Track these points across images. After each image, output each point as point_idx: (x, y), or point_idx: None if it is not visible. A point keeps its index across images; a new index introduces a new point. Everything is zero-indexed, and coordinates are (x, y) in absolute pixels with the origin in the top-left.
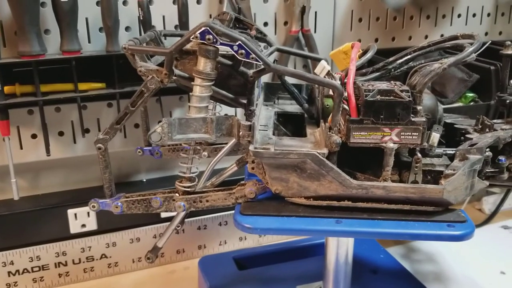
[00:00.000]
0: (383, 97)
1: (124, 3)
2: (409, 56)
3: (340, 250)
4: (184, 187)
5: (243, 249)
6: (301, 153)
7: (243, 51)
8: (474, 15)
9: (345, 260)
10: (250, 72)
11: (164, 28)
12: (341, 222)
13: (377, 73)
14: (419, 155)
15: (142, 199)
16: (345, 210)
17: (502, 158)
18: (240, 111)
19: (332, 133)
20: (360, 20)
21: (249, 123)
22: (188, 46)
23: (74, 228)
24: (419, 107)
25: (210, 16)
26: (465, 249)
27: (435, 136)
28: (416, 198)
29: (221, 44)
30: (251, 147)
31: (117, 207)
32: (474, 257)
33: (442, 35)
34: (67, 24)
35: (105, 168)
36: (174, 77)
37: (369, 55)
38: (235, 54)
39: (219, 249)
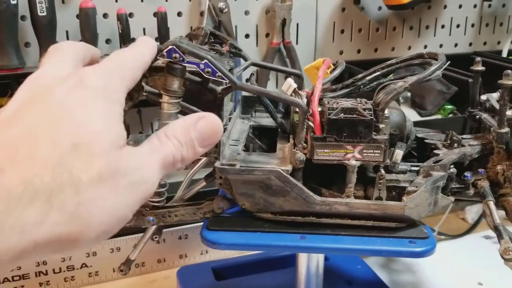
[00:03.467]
0: (346, 115)
1: (105, 16)
2: (378, 73)
3: (310, 263)
4: (153, 202)
5: (222, 259)
6: (266, 170)
7: (209, 69)
8: (458, 26)
9: (315, 272)
10: (219, 89)
11: None
12: (305, 237)
13: (347, 90)
14: (383, 171)
15: None
16: (310, 226)
17: (467, 174)
18: None
19: (296, 150)
20: (342, 31)
21: None
22: (158, 63)
23: None
24: (381, 125)
25: (191, 28)
26: (445, 259)
27: (398, 153)
28: (378, 214)
29: (188, 62)
30: (217, 164)
31: None
32: (453, 267)
33: (425, 46)
34: (45, 38)
35: None
36: (144, 93)
37: (336, 72)
38: (202, 72)
39: (200, 259)
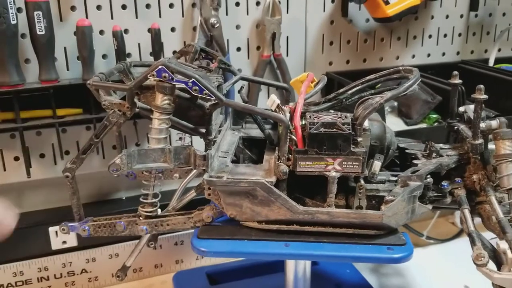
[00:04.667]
0: (326, 130)
1: (101, 32)
2: (359, 87)
3: (298, 267)
4: (146, 212)
5: (216, 264)
6: (251, 182)
7: (197, 87)
8: (445, 35)
9: (303, 276)
10: (207, 105)
11: (140, 55)
12: (289, 245)
13: (329, 103)
14: (362, 182)
15: (107, 223)
16: (294, 234)
17: (444, 183)
18: None
19: (280, 162)
20: (331, 43)
21: (203, 153)
22: (149, 82)
23: (55, 244)
24: (359, 139)
25: (184, 43)
26: (433, 262)
27: (377, 165)
28: (358, 222)
29: (176, 81)
30: (205, 176)
31: (84, 231)
32: (441, 270)
33: (413, 56)
34: (44, 55)
35: (73, 194)
36: (137, 109)
37: (318, 88)
38: (189, 90)
39: (196, 264)
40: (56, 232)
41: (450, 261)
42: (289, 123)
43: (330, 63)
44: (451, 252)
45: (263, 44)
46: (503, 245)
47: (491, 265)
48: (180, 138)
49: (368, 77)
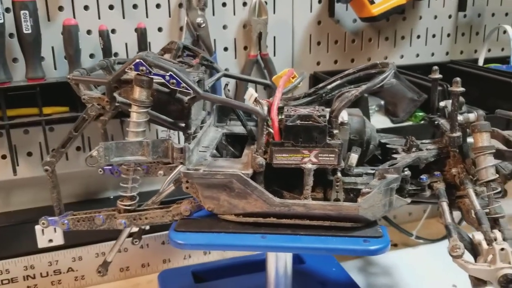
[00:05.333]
0: (302, 122)
1: (88, 32)
2: (338, 82)
3: (278, 264)
4: (125, 205)
5: (202, 263)
6: (227, 174)
7: (174, 80)
8: (434, 36)
9: (284, 273)
10: (186, 99)
11: (127, 54)
12: (265, 237)
13: (309, 98)
14: (339, 174)
15: (86, 217)
16: (271, 226)
17: (423, 177)
18: None
19: (257, 155)
20: (319, 43)
21: (181, 146)
22: (129, 76)
23: (42, 243)
24: (335, 131)
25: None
26: (423, 262)
27: (353, 157)
28: (334, 215)
29: (154, 74)
30: (182, 169)
31: (63, 224)
32: (429, 270)
33: (402, 56)
34: (31, 54)
35: (53, 188)
36: (117, 104)
37: (296, 82)
38: (167, 83)
39: (184, 263)
40: (43, 230)
41: (439, 261)
42: (266, 116)
43: (318, 63)
44: (440, 252)
45: (250, 44)
46: (478, 236)
47: (470, 258)
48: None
49: (346, 72)
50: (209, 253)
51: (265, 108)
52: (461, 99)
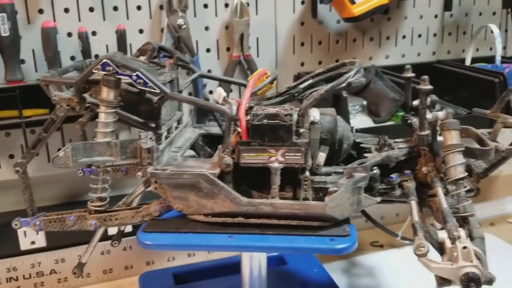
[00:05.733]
0: (269, 121)
1: (69, 34)
2: (310, 81)
3: (253, 265)
4: (95, 206)
5: (183, 265)
6: (194, 174)
7: (141, 80)
8: (419, 36)
9: (258, 274)
10: (155, 99)
11: None
12: (233, 237)
13: (281, 98)
14: (307, 173)
15: (58, 218)
16: (240, 226)
17: (393, 175)
18: None
19: (224, 154)
20: (302, 44)
21: (148, 146)
22: (98, 76)
23: (24, 245)
24: (301, 130)
25: None
26: (407, 263)
27: (321, 156)
28: (302, 214)
29: (121, 74)
30: (149, 169)
31: (35, 225)
32: (413, 271)
33: (387, 56)
34: (9, 56)
35: (25, 190)
36: (88, 104)
37: (267, 81)
38: (134, 83)
39: (167, 265)
40: (25, 232)
41: None
42: (233, 115)
43: (302, 64)
44: None
45: (232, 45)
46: (442, 234)
47: (438, 257)
48: None
49: (317, 71)
50: (193, 255)
51: (234, 108)
52: (434, 97)
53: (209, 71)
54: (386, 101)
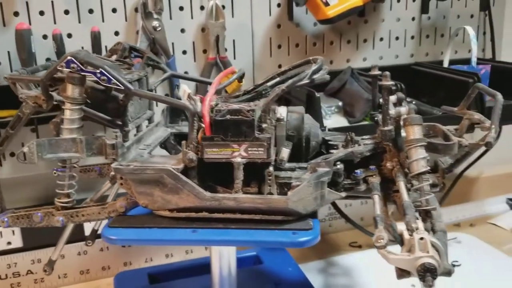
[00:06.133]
0: (232, 117)
1: (44, 37)
2: (277, 79)
3: (222, 262)
4: (62, 203)
5: (159, 265)
6: (157, 169)
7: (105, 77)
8: (397, 38)
9: (228, 272)
10: (121, 96)
11: None
12: (196, 231)
13: (249, 96)
14: (271, 169)
15: (25, 215)
16: (204, 221)
17: (358, 171)
18: None
19: (188, 149)
20: (279, 46)
21: (112, 142)
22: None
23: (0, 245)
24: (264, 125)
25: None
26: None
27: (284, 151)
28: (265, 208)
29: (85, 71)
30: (113, 164)
31: (3, 222)
32: (389, 270)
33: (365, 59)
34: None
35: None
36: (55, 102)
37: (232, 78)
38: (98, 80)
39: (145, 266)
40: (1, 233)
41: None
42: (196, 111)
43: (279, 66)
44: None
45: (208, 47)
46: (401, 226)
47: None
48: None
49: (283, 69)
50: (171, 255)
51: (199, 104)
52: (401, 94)
53: (185, 72)
54: (361, 102)
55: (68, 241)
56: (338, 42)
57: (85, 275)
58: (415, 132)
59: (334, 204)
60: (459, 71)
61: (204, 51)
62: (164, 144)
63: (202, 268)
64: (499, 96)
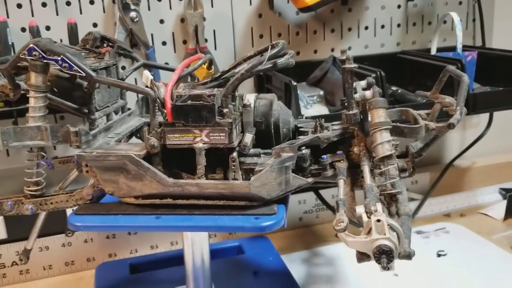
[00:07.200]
0: (193, 102)
1: (22, 29)
2: (244, 65)
3: (194, 250)
4: (31, 191)
5: (141, 256)
6: (119, 155)
7: (66, 64)
8: (382, 26)
9: (201, 259)
10: (85, 84)
11: None
12: (160, 218)
13: (216, 82)
14: (234, 154)
15: None
16: (169, 207)
17: (324, 156)
18: None
19: (150, 136)
20: (261, 36)
21: (75, 129)
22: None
23: None
24: (225, 110)
25: None
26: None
27: (248, 136)
28: (228, 193)
29: (47, 59)
30: (76, 151)
31: None
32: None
33: (350, 48)
34: None
35: None
36: (22, 91)
37: (197, 64)
38: (60, 67)
39: (129, 257)
40: None
41: None
42: (156, 97)
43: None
44: None
45: (188, 37)
46: (360, 209)
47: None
48: None
49: (248, 55)
50: (156, 247)
51: (162, 90)
52: (371, 79)
53: (166, 63)
54: (341, 90)
55: (52, 233)
56: (321, 31)
57: (70, 266)
58: (379, 115)
59: (319, 195)
60: (445, 58)
61: (184, 42)
62: (138, 134)
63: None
64: (465, 77)
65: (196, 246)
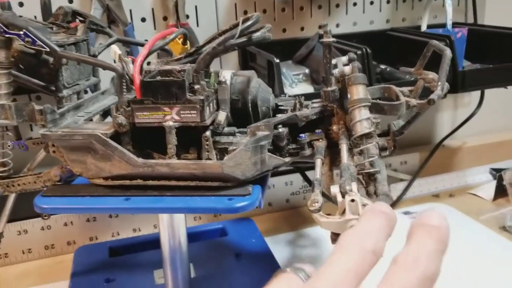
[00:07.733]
0: (162, 77)
1: None
2: (219, 39)
3: (170, 232)
4: None
5: (121, 239)
6: (85, 134)
7: (29, 39)
8: (371, 3)
9: (177, 242)
10: (51, 60)
11: None
12: (129, 199)
13: (190, 58)
14: (207, 133)
15: None
16: (139, 189)
17: (302, 135)
18: None
19: (118, 114)
20: (245, 12)
21: (40, 107)
22: None
23: None
24: (196, 86)
25: None
26: None
27: (221, 115)
28: (200, 174)
29: (9, 33)
30: (40, 131)
31: None
32: None
33: (337, 25)
34: None
35: None
36: None
37: (168, 39)
38: (23, 42)
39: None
40: None
41: None
42: (123, 72)
43: None
44: None
45: (168, 13)
46: (334, 189)
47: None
48: None
49: (223, 29)
50: (139, 230)
51: (131, 66)
52: (352, 55)
53: (146, 41)
54: None
55: (32, 216)
56: (308, 8)
57: (50, 250)
58: (359, 91)
59: (305, 176)
60: (434, 34)
61: (165, 18)
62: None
63: None
64: (448, 51)
65: (171, 228)
